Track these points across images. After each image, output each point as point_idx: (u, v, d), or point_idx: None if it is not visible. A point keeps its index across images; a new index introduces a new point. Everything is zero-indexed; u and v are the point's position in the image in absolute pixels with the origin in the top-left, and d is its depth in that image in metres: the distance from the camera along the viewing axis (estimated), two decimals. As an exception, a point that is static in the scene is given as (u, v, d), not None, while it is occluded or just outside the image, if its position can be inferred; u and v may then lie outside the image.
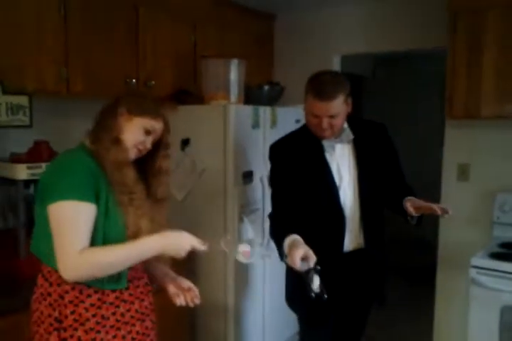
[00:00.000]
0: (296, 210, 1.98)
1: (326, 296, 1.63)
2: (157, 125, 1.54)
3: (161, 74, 2.73)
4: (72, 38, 2.26)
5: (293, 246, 1.74)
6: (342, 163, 1.99)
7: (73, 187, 1.40)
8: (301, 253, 1.68)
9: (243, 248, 1.91)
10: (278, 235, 1.90)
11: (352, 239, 2.00)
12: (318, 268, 1.67)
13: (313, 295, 1.63)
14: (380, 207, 2.07)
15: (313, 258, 1.68)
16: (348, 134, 1.99)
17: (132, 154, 1.52)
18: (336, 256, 1.99)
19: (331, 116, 1.87)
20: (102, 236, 1.44)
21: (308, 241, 1.94)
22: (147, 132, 1.52)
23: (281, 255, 1.85)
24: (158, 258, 1.61)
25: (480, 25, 2.57)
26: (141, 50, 2.61)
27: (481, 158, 2.92)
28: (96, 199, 1.43)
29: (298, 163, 1.99)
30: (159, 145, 1.60)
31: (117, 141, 1.48)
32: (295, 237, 1.79)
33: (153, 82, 2.64)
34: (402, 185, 2.09)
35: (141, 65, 2.61)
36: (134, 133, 1.51)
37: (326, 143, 1.98)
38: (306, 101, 1.91)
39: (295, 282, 2.09)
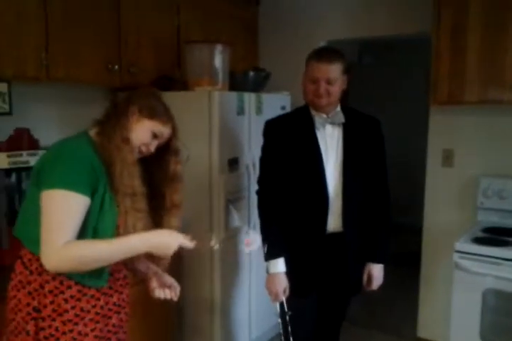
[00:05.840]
0: (283, 187, 2.02)
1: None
2: (165, 130, 1.54)
3: (144, 60, 2.69)
4: (53, 23, 2.21)
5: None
6: (330, 143, 2.03)
7: (72, 177, 1.37)
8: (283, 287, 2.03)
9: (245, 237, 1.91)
10: (270, 230, 2.05)
11: (334, 220, 2.02)
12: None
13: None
14: (363, 196, 2.08)
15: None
16: (340, 117, 2.03)
17: (135, 154, 1.50)
18: (319, 236, 2.02)
19: (329, 82, 1.92)
20: (92, 230, 1.42)
21: (294, 220, 2.04)
22: (154, 136, 1.52)
23: (269, 254, 2.04)
24: (153, 259, 1.60)
25: (464, 9, 2.56)
26: (123, 35, 2.56)
27: (464, 143, 2.93)
28: (92, 193, 1.40)
29: (289, 138, 2.03)
30: (168, 150, 1.59)
31: (128, 141, 1.47)
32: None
33: (135, 68, 2.60)
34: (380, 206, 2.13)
35: (123, 51, 2.57)
36: (142, 134, 1.50)
37: (317, 120, 2.02)
38: (306, 69, 1.98)
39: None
